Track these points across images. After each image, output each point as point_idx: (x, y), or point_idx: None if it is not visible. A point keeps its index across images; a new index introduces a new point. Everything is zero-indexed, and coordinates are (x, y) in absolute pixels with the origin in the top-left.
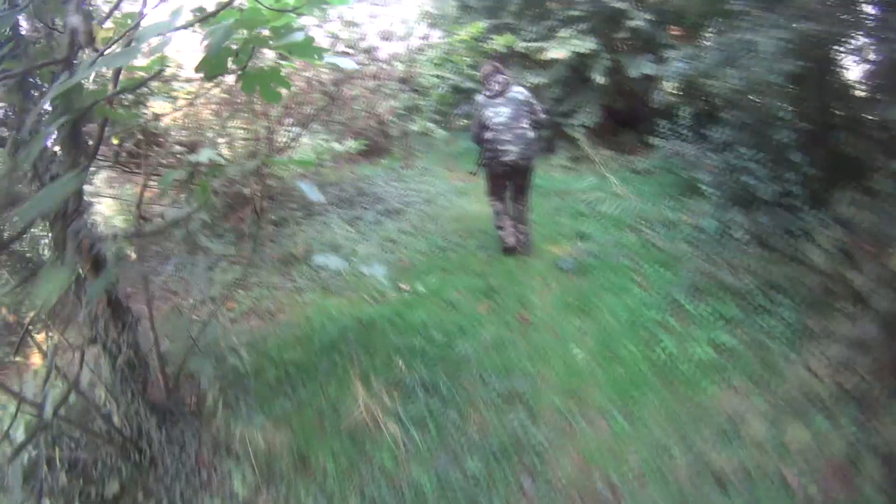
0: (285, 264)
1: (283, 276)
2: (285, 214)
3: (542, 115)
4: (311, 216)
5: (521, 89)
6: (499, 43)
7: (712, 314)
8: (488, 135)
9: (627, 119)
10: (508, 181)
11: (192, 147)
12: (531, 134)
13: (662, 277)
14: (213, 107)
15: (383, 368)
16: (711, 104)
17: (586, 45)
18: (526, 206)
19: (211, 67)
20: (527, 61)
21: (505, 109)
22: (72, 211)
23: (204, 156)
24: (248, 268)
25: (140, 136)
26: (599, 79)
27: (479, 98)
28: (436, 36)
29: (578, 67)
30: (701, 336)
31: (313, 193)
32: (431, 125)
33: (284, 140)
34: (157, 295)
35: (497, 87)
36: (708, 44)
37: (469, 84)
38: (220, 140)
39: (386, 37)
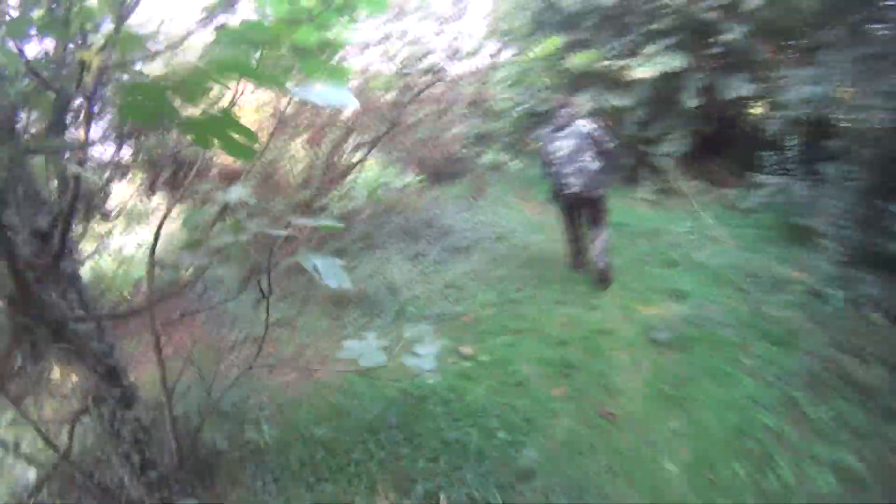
0: (336, 305)
1: (333, 319)
2: (343, 245)
3: (610, 145)
4: (370, 248)
5: (584, 122)
6: (578, 61)
7: (836, 420)
8: (552, 169)
9: (718, 146)
10: (579, 213)
11: (235, 176)
12: (593, 166)
13: (775, 360)
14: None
15: (425, 472)
16: (827, 133)
17: (674, 62)
18: (601, 237)
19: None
20: (607, 82)
21: (566, 143)
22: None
23: (234, 195)
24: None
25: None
26: (690, 101)
27: (544, 132)
28: (507, 54)
29: (665, 88)
30: (823, 455)
31: (333, 277)
32: (504, 156)
33: (344, 166)
34: (197, 334)
35: (560, 121)
36: (827, 62)
37: (546, 107)
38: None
39: (452, 55)
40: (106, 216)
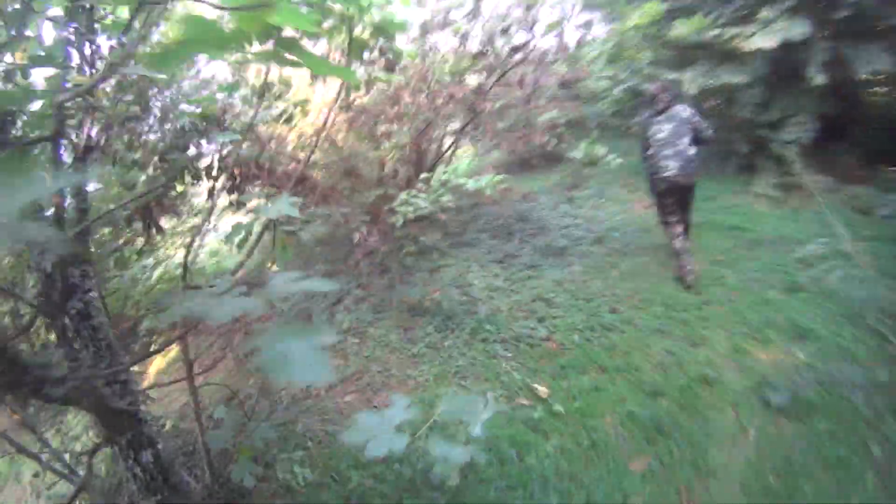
0: (412, 313)
1: (405, 331)
2: (431, 243)
3: (709, 132)
4: (458, 246)
5: (684, 107)
6: (684, 30)
7: None
8: (650, 152)
9: (843, 132)
10: (671, 200)
11: (301, 179)
12: (692, 150)
13: None
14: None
15: None
16: None
17: (796, 29)
18: (686, 228)
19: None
20: (718, 55)
21: (667, 126)
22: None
23: (274, 210)
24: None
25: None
26: (817, 77)
27: (644, 118)
28: (600, 24)
29: (785, 61)
30: None
31: (310, 370)
32: (601, 149)
33: (432, 156)
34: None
35: (660, 106)
36: None
37: (649, 86)
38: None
39: (532, 28)
40: (160, 229)
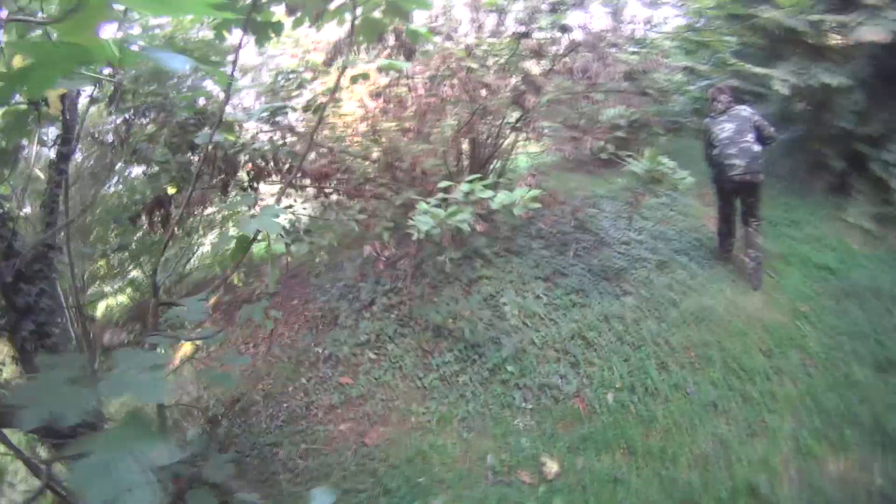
0: (435, 334)
1: (423, 353)
2: (481, 246)
3: (772, 130)
4: (507, 255)
5: (744, 107)
6: (778, 11)
7: None
8: (714, 151)
9: None
10: (737, 199)
11: (321, 176)
12: (756, 148)
13: None
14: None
15: None
16: None
17: None
18: (756, 229)
19: None
20: (816, 49)
21: (729, 125)
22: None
23: (253, 226)
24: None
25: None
26: None
27: (706, 120)
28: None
29: (893, 60)
30: None
31: (150, 393)
32: (668, 163)
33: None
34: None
35: (720, 107)
36: None
37: (737, 81)
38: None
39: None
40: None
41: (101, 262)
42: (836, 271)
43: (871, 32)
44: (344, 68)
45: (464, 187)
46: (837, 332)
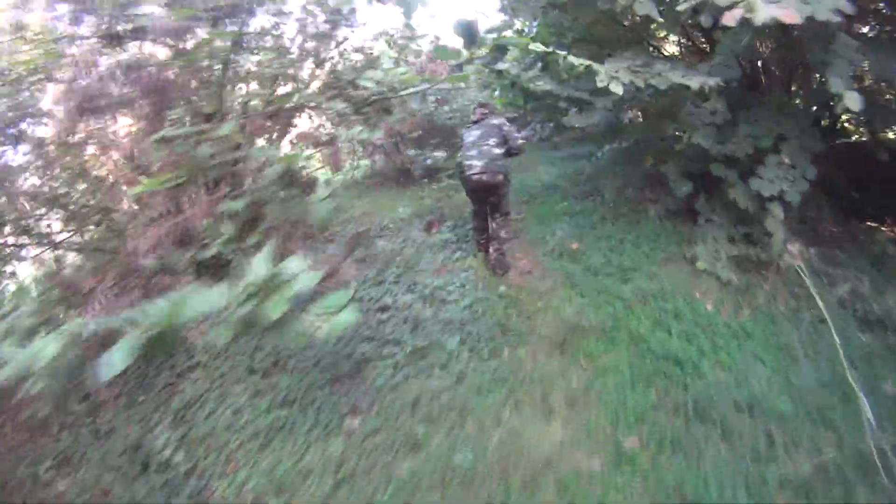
0: None
1: None
2: None
3: (518, 141)
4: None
5: (499, 118)
6: None
7: None
8: (459, 154)
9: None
10: (483, 200)
11: None
12: (497, 151)
13: None
14: None
15: None
16: None
17: None
18: (500, 224)
19: None
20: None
21: (476, 132)
22: None
23: None
24: None
25: None
26: (847, 95)
27: (462, 131)
28: None
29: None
30: None
31: None
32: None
33: None
34: None
35: (474, 118)
36: None
37: (550, 85)
38: None
39: None
40: None
41: None
42: (683, 363)
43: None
44: None
45: None
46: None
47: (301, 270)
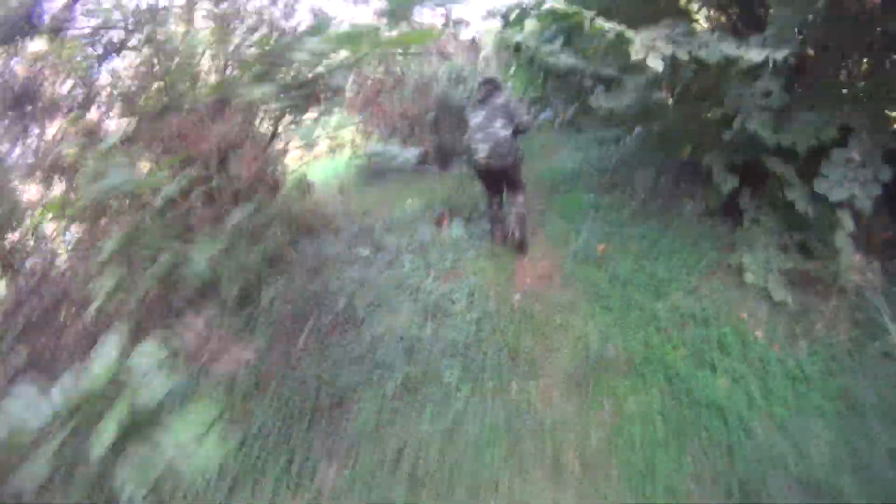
0: None
1: None
2: None
3: (525, 118)
4: None
5: (503, 95)
6: None
7: None
8: (465, 137)
9: None
10: (497, 187)
11: None
12: (503, 133)
13: None
14: None
15: None
16: None
17: None
18: (517, 204)
19: None
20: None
21: (482, 112)
22: None
23: None
24: None
25: None
26: None
27: (466, 110)
28: None
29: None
30: None
31: None
32: None
33: None
34: None
35: (479, 97)
36: None
37: (573, 59)
38: None
39: None
40: None
41: None
42: (727, 415)
43: None
44: None
45: None
46: None
47: (153, 367)
